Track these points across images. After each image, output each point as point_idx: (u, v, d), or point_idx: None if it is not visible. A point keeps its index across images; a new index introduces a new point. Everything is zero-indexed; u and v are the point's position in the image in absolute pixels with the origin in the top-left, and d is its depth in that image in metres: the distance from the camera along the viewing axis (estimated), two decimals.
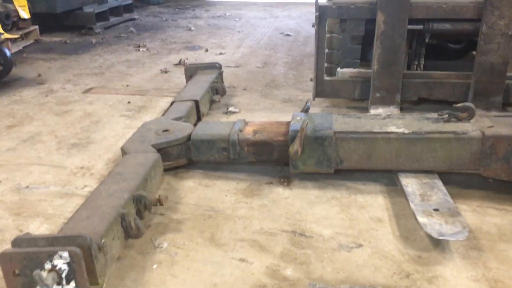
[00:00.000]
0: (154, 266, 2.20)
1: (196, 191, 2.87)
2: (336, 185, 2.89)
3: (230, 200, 2.77)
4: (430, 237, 2.30)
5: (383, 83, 3.69)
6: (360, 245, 2.32)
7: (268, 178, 3.01)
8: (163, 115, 3.65)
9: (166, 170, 3.02)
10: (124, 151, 2.96)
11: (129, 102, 4.51)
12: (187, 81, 4.57)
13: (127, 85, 5.09)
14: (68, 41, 7.52)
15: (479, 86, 3.57)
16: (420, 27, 3.65)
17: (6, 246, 2.09)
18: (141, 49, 6.85)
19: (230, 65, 5.84)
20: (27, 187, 2.96)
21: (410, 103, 4.07)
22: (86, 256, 1.87)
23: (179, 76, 5.42)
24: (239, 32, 8.05)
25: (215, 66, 4.66)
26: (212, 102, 4.24)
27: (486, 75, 3.52)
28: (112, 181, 2.50)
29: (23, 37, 6.98)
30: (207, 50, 6.70)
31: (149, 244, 2.37)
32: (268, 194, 2.82)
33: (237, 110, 4.23)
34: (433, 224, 2.25)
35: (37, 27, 7.01)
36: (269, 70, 5.62)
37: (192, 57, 6.26)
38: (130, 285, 2.08)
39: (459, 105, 2.77)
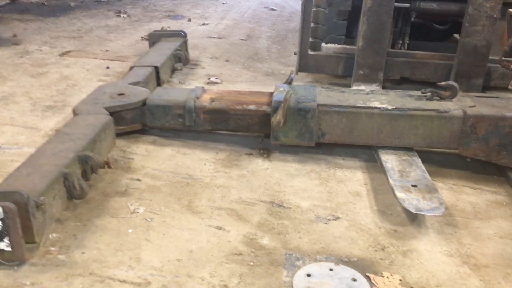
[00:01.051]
0: (130, 231, 2.17)
1: (175, 159, 2.82)
2: (316, 159, 2.88)
3: (208, 169, 2.73)
4: (406, 212, 2.32)
5: (367, 61, 3.66)
6: (338, 218, 2.33)
7: (248, 149, 2.98)
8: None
9: (121, 134, 2.99)
10: (75, 112, 2.89)
11: (107, 67, 4.40)
12: (150, 47, 4.49)
13: (106, 50, 4.96)
14: (45, 3, 7.26)
15: (461, 68, 3.58)
16: (407, 5, 3.63)
17: None
18: (121, 15, 6.67)
19: (213, 36, 5.74)
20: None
21: (392, 82, 4.07)
22: (22, 213, 1.83)
23: None
24: (224, 3, 7.92)
25: (179, 34, 4.61)
26: (174, 70, 4.18)
27: (469, 57, 3.53)
28: (58, 141, 2.45)
29: None
30: (189, 20, 6.57)
31: (124, 208, 2.32)
32: (248, 165, 2.79)
33: (218, 81, 4.16)
34: (411, 199, 2.27)
35: None
36: (252, 43, 5.54)
37: (174, 26, 6.13)
38: (104, 248, 2.04)
39: (442, 83, 2.77)
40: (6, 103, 3.51)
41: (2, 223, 1.78)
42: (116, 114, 2.94)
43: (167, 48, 4.28)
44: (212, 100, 2.98)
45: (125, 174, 2.63)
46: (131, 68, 3.77)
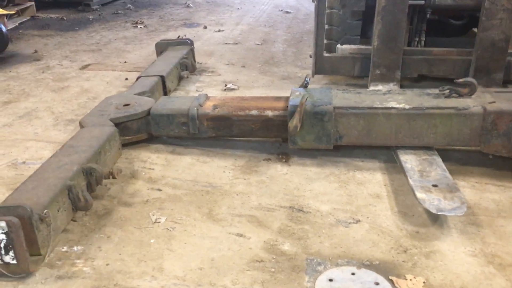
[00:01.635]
0: (152, 241, 2.20)
1: (194, 167, 2.85)
2: (334, 162, 2.87)
3: (228, 176, 2.75)
4: (428, 212, 2.30)
5: (383, 60, 3.64)
6: (358, 221, 2.32)
7: (266, 154, 2.99)
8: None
9: (127, 144, 3.03)
10: (81, 125, 2.95)
11: (126, 79, 4.46)
12: (157, 56, 4.54)
13: (125, 62, 5.04)
14: (64, 18, 7.42)
15: (480, 63, 3.52)
16: (422, 2, 3.60)
17: None
18: (138, 26, 6.77)
19: (229, 42, 5.77)
20: (24, 162, 2.94)
21: (410, 80, 4.03)
22: (26, 226, 1.89)
23: None
24: (238, 9, 7.95)
25: (186, 42, 4.64)
26: (180, 78, 4.21)
27: (487, 52, 3.47)
28: (63, 154, 2.51)
29: (19, 13, 6.91)
30: (205, 27, 6.62)
31: (146, 219, 2.36)
32: (266, 170, 2.80)
33: (235, 87, 4.19)
34: (431, 200, 2.24)
35: (33, 3, 6.93)
36: (268, 47, 5.55)
37: (190, 34, 6.18)
38: (128, 260, 2.07)
39: (460, 80, 2.73)
40: (30, 119, 3.60)
41: (6, 237, 1.85)
42: (122, 124, 3.00)
43: (173, 57, 4.33)
44: (215, 107, 3.01)
45: (146, 184, 2.67)
46: (138, 78, 3.82)
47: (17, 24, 6.73)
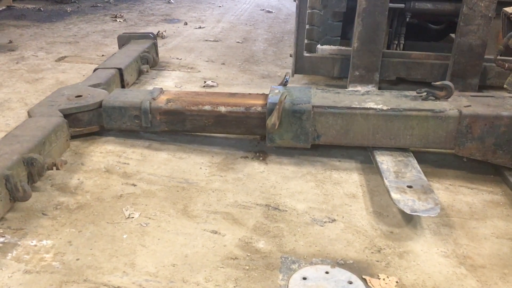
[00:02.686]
0: (124, 236, 2.16)
1: (170, 163, 2.82)
2: (312, 161, 2.87)
3: (204, 173, 2.72)
4: (402, 213, 2.31)
5: (362, 62, 3.66)
6: (334, 220, 2.32)
7: (244, 152, 2.97)
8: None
9: (77, 136, 3.01)
10: (29, 115, 2.90)
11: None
12: (119, 49, 4.51)
13: (102, 55, 4.95)
14: (42, 9, 7.26)
15: (456, 68, 3.57)
16: (402, 6, 3.63)
17: None
18: (118, 20, 6.67)
19: (209, 39, 5.74)
20: None
21: (388, 83, 4.07)
22: None
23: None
24: (220, 7, 7.92)
25: (149, 36, 4.61)
26: (140, 72, 4.17)
27: (464, 57, 3.53)
28: (4, 143, 2.46)
29: None
30: (186, 24, 6.56)
31: (120, 214, 2.31)
32: (243, 168, 2.79)
33: (215, 84, 4.15)
34: (406, 201, 2.26)
35: None
36: (248, 45, 5.53)
37: (170, 30, 6.13)
38: (99, 255, 2.03)
39: (437, 83, 2.76)
40: (1, 110, 3.50)
41: None
42: (72, 116, 2.95)
43: (134, 50, 4.29)
44: (169, 101, 2.99)
45: (120, 179, 2.63)
46: (95, 70, 3.78)
47: None
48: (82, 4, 7.71)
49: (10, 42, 5.35)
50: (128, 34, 4.70)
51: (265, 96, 2.93)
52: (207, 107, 2.92)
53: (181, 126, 2.99)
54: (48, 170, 2.46)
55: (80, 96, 3.10)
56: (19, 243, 2.08)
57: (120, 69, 3.76)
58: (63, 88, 3.33)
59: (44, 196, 2.43)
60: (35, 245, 2.07)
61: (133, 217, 2.29)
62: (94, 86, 3.33)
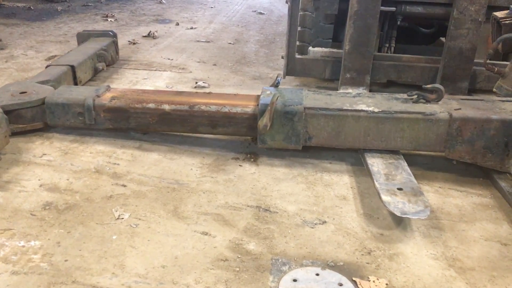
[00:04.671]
0: (114, 237, 2.14)
1: (161, 164, 2.80)
2: (303, 163, 2.87)
3: (195, 174, 2.71)
4: (393, 215, 2.32)
5: (353, 64, 3.67)
6: (324, 222, 2.32)
7: (235, 153, 2.97)
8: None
9: (20, 133, 2.99)
10: None
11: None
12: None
13: None
14: (32, 7, 7.20)
15: (447, 71, 3.60)
16: (393, 9, 3.65)
17: None
18: (109, 19, 6.63)
19: (201, 40, 5.72)
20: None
21: (379, 85, 4.08)
22: None
23: (148, 48, 5.28)
24: (212, 8, 7.90)
25: (108, 34, 4.62)
26: (96, 70, 4.18)
27: (454, 60, 3.55)
28: None
29: None
30: (177, 24, 6.55)
31: (109, 215, 2.29)
32: (234, 169, 2.78)
33: (206, 85, 4.14)
34: (396, 203, 2.26)
35: None
36: (240, 47, 5.53)
37: (162, 30, 6.10)
38: (88, 256, 2.01)
39: (428, 86, 2.78)
40: None
41: None
42: (15, 112, 2.94)
43: (90, 47, 4.29)
44: (113, 98, 3.00)
45: (110, 180, 2.61)
46: (47, 66, 3.77)
47: None
48: (73, 3, 7.66)
49: (0, 40, 5.30)
50: (88, 32, 4.71)
51: (257, 97, 2.93)
52: (151, 105, 2.93)
53: (126, 123, 3.00)
54: None
55: (25, 92, 3.09)
56: (6, 243, 2.06)
57: (72, 66, 3.75)
58: (9, 84, 3.31)
59: (32, 197, 2.40)
60: (23, 246, 2.05)
61: (123, 218, 2.28)
62: (43, 82, 3.32)
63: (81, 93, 3.05)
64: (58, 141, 3.00)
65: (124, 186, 2.55)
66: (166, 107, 2.91)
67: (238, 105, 2.88)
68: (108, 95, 3.03)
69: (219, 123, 2.89)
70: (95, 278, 1.89)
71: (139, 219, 2.28)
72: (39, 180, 2.56)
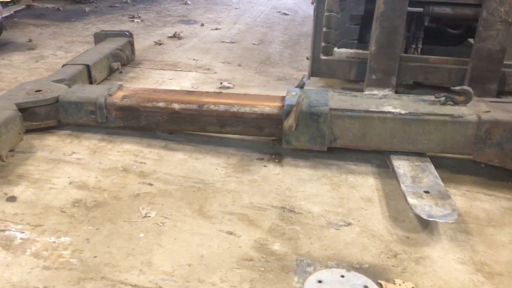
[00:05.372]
0: (141, 235, 2.18)
1: (186, 163, 2.83)
2: (327, 164, 2.87)
3: (220, 174, 2.73)
4: (419, 218, 2.30)
5: (379, 65, 3.64)
6: (349, 224, 2.31)
7: (259, 154, 2.98)
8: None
9: (35, 130, 3.07)
10: None
11: (120, 72, 4.42)
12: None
13: None
14: (60, 8, 7.35)
15: (475, 73, 3.54)
16: (420, 9, 3.60)
17: None
18: (135, 20, 6.73)
19: (225, 41, 5.75)
20: (22, 151, 2.90)
21: (405, 87, 4.04)
22: None
23: (173, 48, 5.34)
24: (236, 8, 7.93)
25: (124, 34, 4.69)
26: (111, 69, 4.24)
27: (483, 62, 3.49)
28: None
29: (14, 1, 6.83)
30: (202, 25, 6.59)
31: (136, 213, 2.34)
32: (259, 170, 2.79)
33: (231, 85, 4.17)
34: (423, 206, 2.24)
35: None
36: (264, 47, 5.54)
37: (187, 31, 6.16)
38: (116, 253, 2.05)
39: (456, 88, 2.75)
40: None
41: None
42: (29, 110, 3.02)
43: (106, 47, 4.35)
44: (124, 97, 3.05)
45: (137, 178, 2.65)
46: (63, 66, 3.84)
47: (12, 12, 6.66)
48: (100, 4, 7.79)
49: (30, 41, 5.43)
50: (105, 32, 4.80)
51: (282, 98, 2.94)
52: (161, 104, 2.98)
53: (136, 122, 3.06)
54: None
55: (40, 90, 3.16)
56: (38, 239, 2.12)
57: (87, 66, 3.82)
58: (25, 83, 3.40)
59: (62, 194, 2.46)
60: (54, 242, 2.10)
61: (149, 216, 2.31)
62: (58, 81, 3.40)
63: (93, 92, 3.12)
64: (87, 140, 3.06)
65: (151, 184, 2.59)
66: (176, 106, 2.96)
67: (263, 105, 2.89)
68: (120, 94, 3.09)
69: (231, 122, 2.92)
70: (123, 275, 1.92)
71: (166, 218, 2.31)
72: (68, 177, 2.62)
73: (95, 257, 2.02)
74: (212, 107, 2.93)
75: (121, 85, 3.23)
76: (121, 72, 4.41)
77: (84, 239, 2.13)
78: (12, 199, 2.40)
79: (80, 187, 2.54)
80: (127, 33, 4.70)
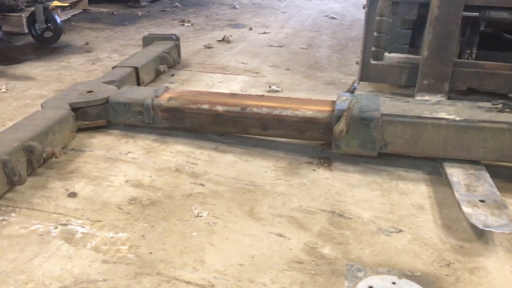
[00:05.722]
0: (194, 234, 2.24)
1: (237, 165, 2.88)
2: (377, 170, 2.84)
3: (269, 176, 2.77)
4: (473, 228, 2.25)
5: (432, 70, 3.58)
6: (400, 231, 2.29)
7: (308, 158, 2.99)
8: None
9: (86, 129, 3.22)
10: (42, 107, 3.15)
11: (172, 75, 4.55)
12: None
13: None
14: (115, 12, 7.62)
15: None
16: (476, 14, 3.52)
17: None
18: (185, 24, 6.89)
19: (273, 45, 5.80)
20: (73, 149, 3.04)
21: (458, 93, 3.94)
22: None
23: (223, 52, 5.43)
24: (284, 12, 7.97)
25: (171, 38, 4.82)
26: (158, 71, 4.35)
27: None
28: (10, 131, 2.71)
29: (72, 5, 7.15)
30: (250, 29, 6.67)
31: (189, 212, 2.40)
32: (308, 174, 2.81)
33: (279, 89, 4.20)
34: (478, 215, 2.19)
35: None
36: (312, 52, 5.55)
37: (235, 35, 6.25)
38: (170, 250, 2.12)
39: None
40: None
41: None
42: (82, 109, 3.17)
43: (154, 50, 4.49)
44: (170, 99, 3.14)
45: (189, 178, 2.72)
46: (113, 68, 4.00)
47: (69, 16, 6.96)
48: (152, 9, 8.02)
49: (87, 44, 5.67)
50: (152, 35, 4.97)
51: (332, 102, 2.94)
52: (205, 106, 3.06)
53: (181, 123, 3.15)
54: (49, 158, 2.72)
55: (91, 91, 3.31)
56: (97, 234, 2.22)
57: (136, 68, 3.96)
58: (78, 84, 3.56)
59: (119, 191, 2.57)
60: (112, 237, 2.19)
61: (201, 216, 2.37)
62: (108, 83, 3.54)
63: (141, 93, 3.25)
64: (141, 140, 3.17)
65: (202, 185, 2.66)
66: (220, 108, 3.04)
67: (313, 110, 2.91)
68: (166, 95, 3.20)
69: (297, 127, 2.95)
70: (178, 272, 1.99)
71: (217, 218, 2.36)
72: (124, 176, 2.73)
73: (151, 253, 2.09)
74: (254, 109, 2.99)
75: (167, 87, 3.34)
76: (173, 75, 4.54)
77: (140, 235, 2.21)
78: (73, 195, 2.53)
79: (136, 185, 2.63)
80: (173, 37, 4.85)
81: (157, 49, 4.54)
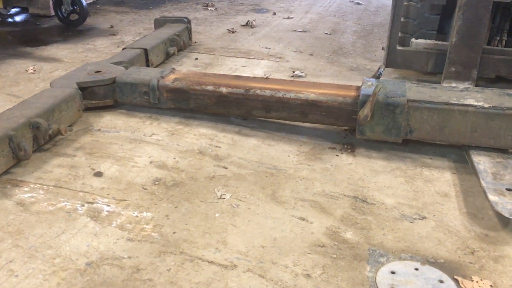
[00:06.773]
0: (217, 215, 2.26)
1: (259, 149, 2.89)
2: (401, 157, 2.82)
3: (292, 161, 2.77)
4: (499, 216, 2.22)
5: (460, 57, 3.51)
6: (424, 217, 2.27)
7: (331, 143, 2.98)
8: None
9: (93, 108, 3.26)
10: (51, 85, 3.19)
11: (196, 59, 4.56)
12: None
13: (195, 42, 5.13)
14: None
15: None
16: (508, 0, 3.42)
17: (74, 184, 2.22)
18: (209, 8, 6.87)
19: (297, 30, 5.75)
20: (99, 130, 3.09)
21: (486, 81, 3.86)
22: None
23: (246, 36, 5.41)
24: None
25: (183, 21, 4.83)
26: (167, 54, 4.37)
27: None
28: (18, 108, 2.76)
29: None
30: (274, 14, 6.62)
31: (212, 194, 2.42)
32: (331, 159, 2.80)
33: (303, 74, 4.18)
34: (504, 203, 2.16)
35: None
36: (337, 37, 5.49)
37: (259, 20, 6.21)
38: (194, 230, 2.15)
39: None
40: None
41: None
42: (89, 89, 3.21)
43: (165, 33, 4.51)
44: (176, 80, 3.16)
45: (213, 161, 2.74)
46: (123, 49, 4.03)
47: (94, 0, 7.01)
48: None
49: (111, 27, 5.71)
50: (164, 18, 4.99)
51: (357, 87, 2.91)
52: (209, 87, 3.07)
53: (186, 104, 3.18)
54: (55, 136, 2.78)
55: (99, 71, 3.35)
56: (122, 212, 2.26)
57: (145, 49, 3.98)
58: (87, 64, 3.61)
59: (144, 172, 2.60)
60: (137, 216, 2.23)
61: (224, 198, 2.39)
62: (117, 63, 3.58)
63: (147, 74, 3.28)
64: (165, 123, 3.20)
65: (225, 168, 2.67)
66: (224, 89, 3.06)
67: (340, 95, 2.88)
68: (172, 76, 3.23)
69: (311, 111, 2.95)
70: (200, 251, 2.01)
71: (240, 200, 2.38)
72: (149, 157, 2.76)
73: (174, 233, 2.12)
74: (258, 92, 3.01)
75: (173, 68, 3.37)
76: (196, 59, 4.55)
77: (164, 215, 2.24)
78: (99, 174, 2.57)
79: (160, 166, 2.66)
80: (185, 20, 4.87)
81: (168, 31, 4.57)
